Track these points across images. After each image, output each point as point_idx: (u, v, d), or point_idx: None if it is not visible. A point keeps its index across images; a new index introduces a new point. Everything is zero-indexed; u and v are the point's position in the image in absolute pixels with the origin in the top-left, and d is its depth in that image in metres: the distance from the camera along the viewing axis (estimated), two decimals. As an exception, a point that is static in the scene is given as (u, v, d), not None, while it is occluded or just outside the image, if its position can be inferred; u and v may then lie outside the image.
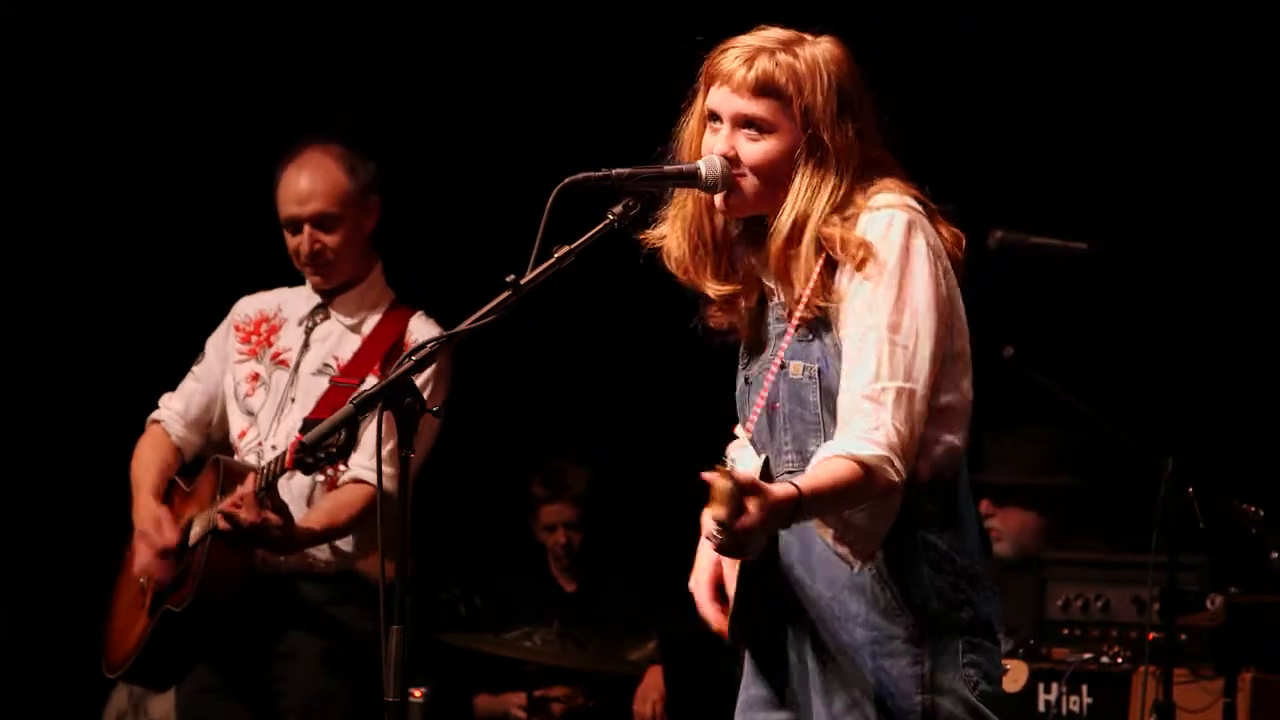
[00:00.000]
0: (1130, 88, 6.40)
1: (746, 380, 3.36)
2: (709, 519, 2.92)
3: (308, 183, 4.79)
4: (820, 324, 3.21)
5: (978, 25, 6.43)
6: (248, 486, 4.49)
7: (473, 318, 3.20)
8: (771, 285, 3.32)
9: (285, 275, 5.00)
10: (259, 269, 5.09)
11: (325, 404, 4.73)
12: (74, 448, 7.02)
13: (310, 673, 4.70)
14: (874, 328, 3.13)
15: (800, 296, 3.21)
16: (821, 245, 3.20)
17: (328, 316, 4.89)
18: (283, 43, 7.02)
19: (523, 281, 3.17)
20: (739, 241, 3.35)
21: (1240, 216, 6.31)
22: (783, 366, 3.25)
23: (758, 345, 3.35)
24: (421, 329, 4.81)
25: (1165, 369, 6.24)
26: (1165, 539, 5.03)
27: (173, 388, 5.05)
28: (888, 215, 3.18)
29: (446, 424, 4.46)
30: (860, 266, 3.16)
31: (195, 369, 5.00)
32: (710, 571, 3.41)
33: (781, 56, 3.23)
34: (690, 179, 3.27)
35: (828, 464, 3.08)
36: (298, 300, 4.95)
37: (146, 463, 4.93)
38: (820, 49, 3.25)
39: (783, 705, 3.34)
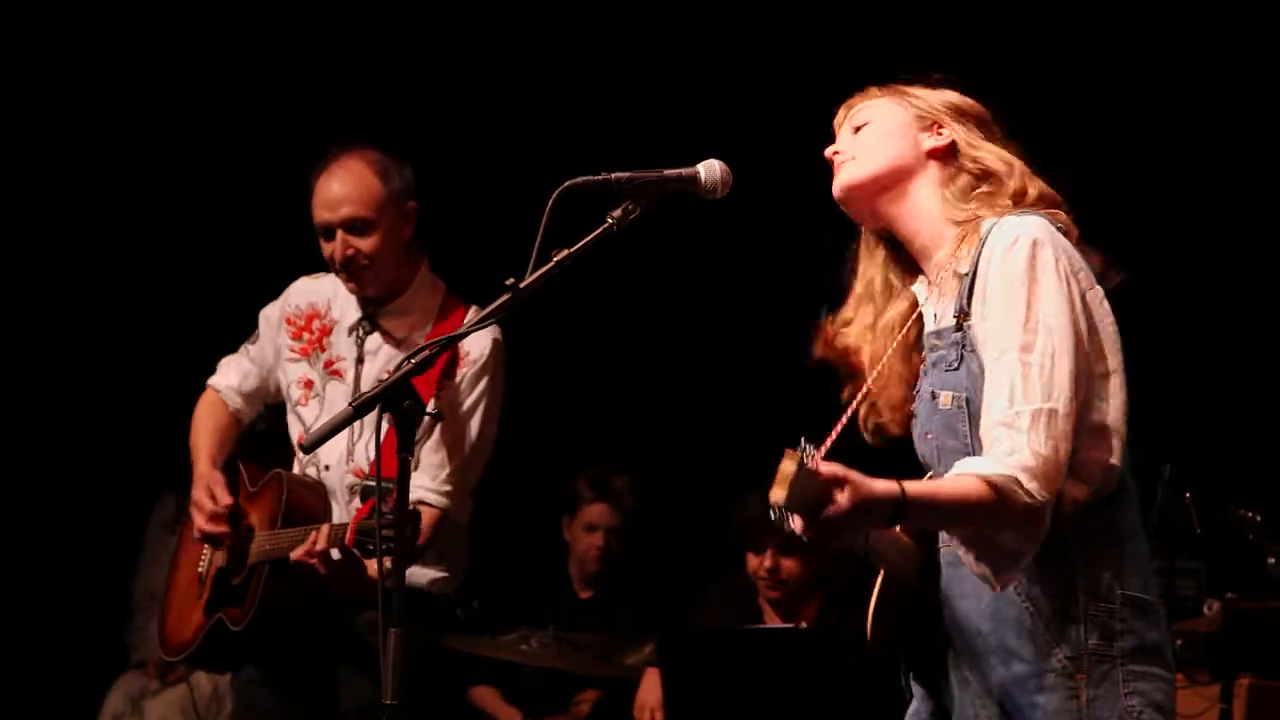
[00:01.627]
0: (1126, 96, 6.41)
1: (914, 414, 3.31)
2: (771, 499, 2.82)
3: (339, 188, 4.70)
4: (966, 349, 3.17)
5: (977, 35, 6.44)
6: (320, 544, 4.43)
7: (472, 321, 3.21)
8: (926, 313, 3.30)
9: (286, 275, 4.98)
10: (258, 268, 5.08)
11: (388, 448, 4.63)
12: (75, 448, 7.03)
13: (367, 679, 4.65)
14: (1006, 350, 3.07)
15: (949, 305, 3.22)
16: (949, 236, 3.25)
17: (376, 327, 4.81)
18: (286, 44, 7.04)
19: (522, 285, 3.17)
20: (895, 269, 3.37)
21: (1236, 222, 6.32)
22: (934, 397, 3.21)
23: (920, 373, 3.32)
24: (474, 338, 4.67)
25: (1162, 375, 6.24)
26: (1162, 544, 5.03)
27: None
28: (1014, 232, 3.13)
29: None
30: (989, 289, 3.13)
31: (250, 347, 4.92)
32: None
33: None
34: (689, 183, 3.29)
35: (954, 478, 3.01)
36: (349, 301, 4.84)
37: (204, 431, 4.88)
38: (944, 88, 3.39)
39: None
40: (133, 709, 6.62)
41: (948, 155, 3.31)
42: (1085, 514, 3.11)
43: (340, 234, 4.69)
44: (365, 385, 4.71)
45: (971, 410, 3.14)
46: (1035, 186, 3.28)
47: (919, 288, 3.33)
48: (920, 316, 3.33)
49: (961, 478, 2.99)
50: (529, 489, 7.12)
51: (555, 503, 7.01)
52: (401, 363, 3.20)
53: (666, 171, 3.28)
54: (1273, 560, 5.12)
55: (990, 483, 2.96)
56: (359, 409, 3.17)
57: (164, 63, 7.09)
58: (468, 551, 4.90)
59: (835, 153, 3.33)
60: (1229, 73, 6.28)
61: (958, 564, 3.17)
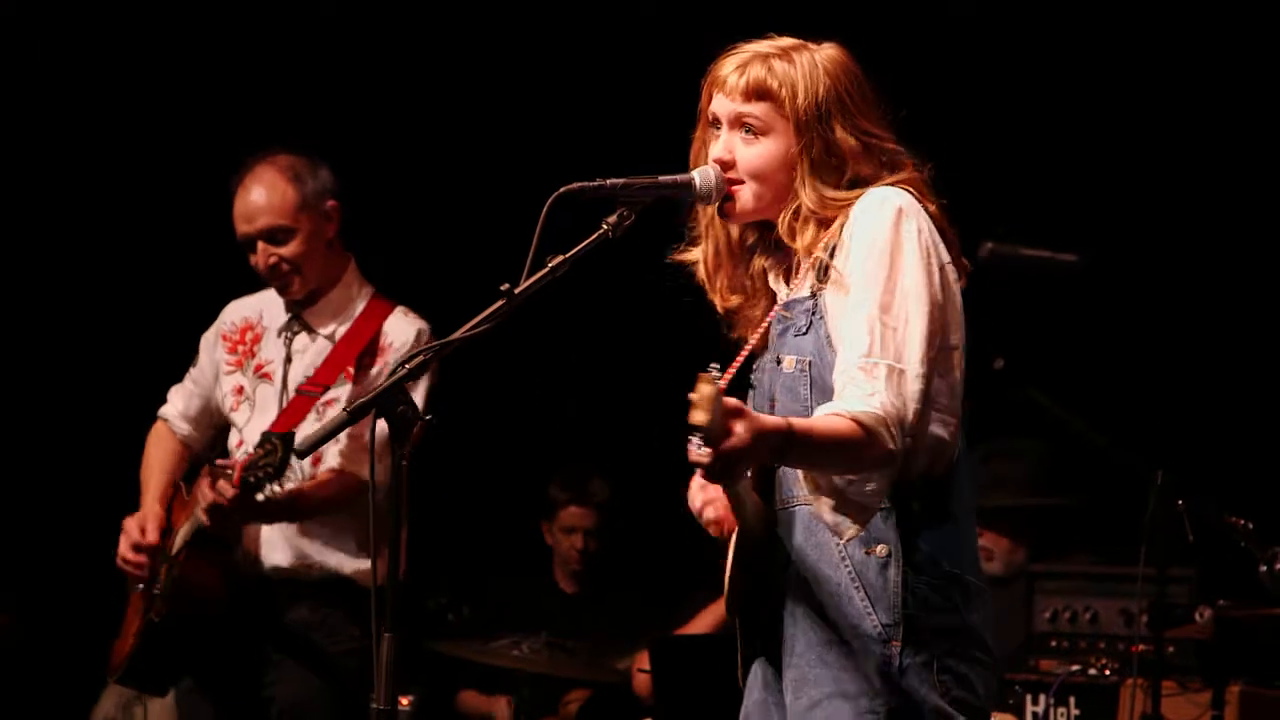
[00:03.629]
0: (1118, 99, 6.41)
1: (752, 385, 3.37)
2: (691, 422, 2.85)
3: (255, 199, 4.83)
4: (817, 315, 3.23)
5: (970, 35, 6.44)
6: (215, 489, 4.53)
7: (466, 327, 3.20)
8: (778, 289, 3.34)
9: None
10: (244, 269, 5.08)
11: (288, 415, 4.75)
12: (64, 454, 7.01)
13: (297, 678, 4.72)
14: (865, 303, 3.14)
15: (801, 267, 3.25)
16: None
17: (304, 328, 4.89)
18: (280, 45, 7.02)
19: (517, 291, 3.17)
20: (755, 250, 3.38)
21: (1229, 228, 6.32)
22: (779, 362, 3.27)
23: (765, 344, 3.35)
24: (398, 327, 4.82)
25: (1155, 381, 6.25)
26: (1154, 551, 5.03)
27: (164, 391, 5.08)
28: (880, 197, 3.19)
29: (442, 428, 4.49)
30: (852, 245, 3.18)
31: (192, 370, 5.04)
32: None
33: (776, 62, 3.27)
34: (684, 189, 3.29)
35: (826, 417, 3.06)
36: (278, 307, 4.95)
37: (152, 466, 5.00)
38: (821, 54, 3.29)
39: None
40: (124, 715, 6.60)
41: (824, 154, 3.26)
42: (916, 486, 3.18)
43: (261, 244, 4.81)
44: (291, 383, 4.84)
45: (814, 374, 3.21)
46: (903, 168, 3.27)
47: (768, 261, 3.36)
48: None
49: (833, 417, 3.05)
50: (513, 493, 7.13)
51: (536, 507, 7.04)
52: (396, 368, 3.21)
53: (661, 177, 3.28)
54: (1264, 567, 5.11)
55: (860, 423, 3.04)
56: (354, 413, 3.17)
57: (134, 80, 7.07)
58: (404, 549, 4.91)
59: (727, 164, 3.28)
60: (1228, 73, 6.28)
61: (792, 523, 3.23)
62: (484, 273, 3.28)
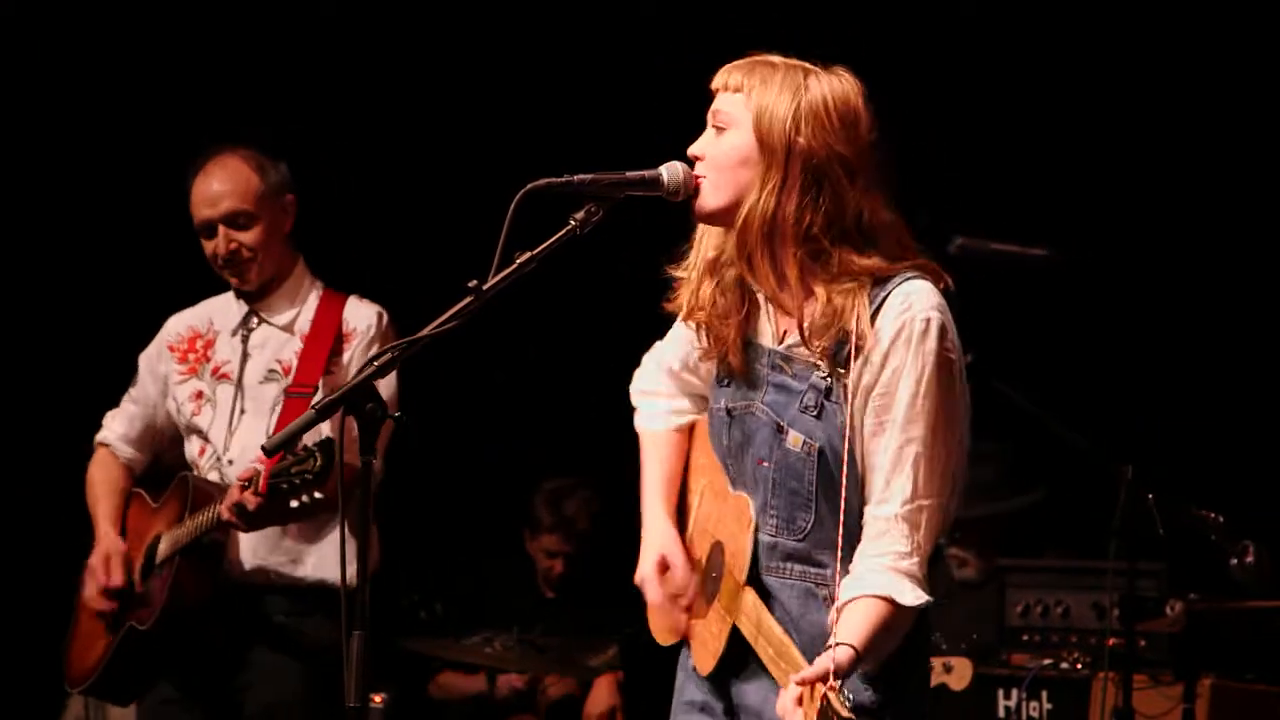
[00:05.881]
0: (1090, 96, 6.43)
1: (729, 412, 3.33)
2: None
3: (218, 184, 4.82)
4: (833, 399, 3.19)
5: (942, 33, 6.45)
6: (234, 495, 4.50)
7: (434, 324, 3.18)
8: (763, 320, 3.30)
9: (218, 284, 4.98)
10: (192, 276, 5.07)
11: (287, 418, 4.72)
12: (26, 460, 6.99)
13: (271, 681, 4.70)
14: (914, 441, 3.12)
15: (808, 338, 3.20)
16: (811, 282, 3.18)
17: (261, 322, 4.89)
18: (244, 41, 7.00)
19: (485, 287, 3.16)
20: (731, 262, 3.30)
21: (1196, 223, 6.34)
22: (780, 430, 3.23)
23: (744, 378, 3.31)
24: (357, 313, 4.83)
25: (1125, 376, 6.26)
26: (1125, 545, 5.05)
27: (115, 400, 5.06)
28: (920, 310, 3.14)
29: (431, 422, 4.49)
30: (891, 360, 3.13)
31: (132, 390, 5.02)
32: (656, 560, 3.48)
33: (762, 66, 3.23)
34: (652, 185, 3.27)
35: (868, 608, 3.09)
36: (227, 310, 4.94)
37: (99, 489, 4.98)
38: (823, 74, 3.22)
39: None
40: (93, 714, 6.58)
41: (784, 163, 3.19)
42: None
43: (222, 229, 4.81)
44: (249, 379, 4.84)
45: (822, 464, 3.19)
46: (904, 242, 3.22)
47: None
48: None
49: (874, 606, 3.10)
50: (495, 491, 7.12)
51: (518, 509, 7.03)
52: (364, 365, 3.19)
53: (629, 173, 3.26)
54: (1234, 561, 5.13)
55: (898, 605, 3.10)
56: (321, 411, 3.15)
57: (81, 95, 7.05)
58: (379, 545, 4.90)
59: (696, 159, 3.26)
60: (1196, 73, 6.30)
61: (780, 589, 3.25)
62: (452, 269, 3.27)
